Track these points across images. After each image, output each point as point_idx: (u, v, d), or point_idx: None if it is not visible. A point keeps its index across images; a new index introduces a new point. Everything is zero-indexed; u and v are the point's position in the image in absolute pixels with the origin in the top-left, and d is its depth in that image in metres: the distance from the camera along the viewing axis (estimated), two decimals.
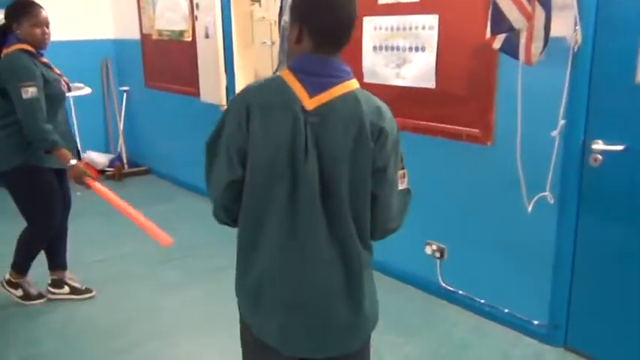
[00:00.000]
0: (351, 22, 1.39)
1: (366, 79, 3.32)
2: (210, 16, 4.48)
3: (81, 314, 3.17)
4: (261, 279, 1.45)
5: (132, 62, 5.98)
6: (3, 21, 2.94)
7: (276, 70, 3.74)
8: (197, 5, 4.64)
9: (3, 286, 3.24)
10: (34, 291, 3.27)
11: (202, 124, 4.86)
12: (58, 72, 3.04)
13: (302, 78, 1.38)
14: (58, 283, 3.32)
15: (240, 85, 4.63)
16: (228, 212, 1.49)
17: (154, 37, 5.44)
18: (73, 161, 2.89)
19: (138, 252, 3.98)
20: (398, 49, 3.10)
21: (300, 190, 1.37)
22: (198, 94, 4.90)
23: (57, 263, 3.32)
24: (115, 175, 5.91)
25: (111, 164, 6.08)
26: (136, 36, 5.77)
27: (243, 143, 1.39)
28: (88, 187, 2.93)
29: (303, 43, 1.39)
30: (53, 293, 3.31)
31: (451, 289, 3.15)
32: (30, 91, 2.74)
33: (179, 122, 5.40)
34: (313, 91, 1.37)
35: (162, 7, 5.18)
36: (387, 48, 3.16)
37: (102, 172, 6.04)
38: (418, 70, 3.01)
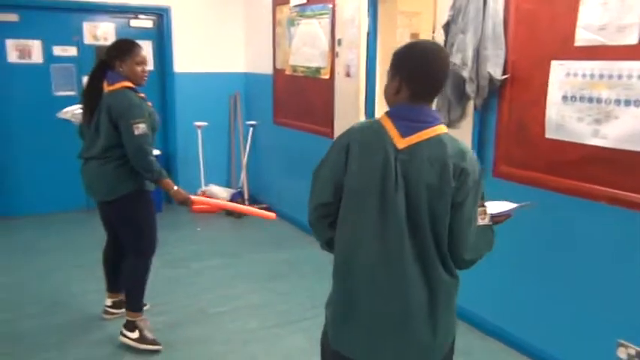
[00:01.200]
0: (444, 82, 1.65)
1: (548, 134, 2.76)
2: (354, 54, 4.15)
3: None
4: (352, 294, 1.65)
5: (261, 97, 5.82)
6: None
7: None
8: (339, 42, 4.33)
9: (122, 333, 3.09)
10: (150, 335, 3.09)
11: None
12: (150, 104, 3.12)
13: (397, 122, 1.61)
14: (119, 304, 3.35)
15: None
16: (318, 231, 1.76)
17: (287, 72, 5.22)
18: (175, 187, 3.05)
19: (262, 305, 3.64)
20: (599, 101, 2.52)
21: (388, 217, 1.57)
22: (330, 135, 4.57)
23: (120, 285, 3.32)
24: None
25: (232, 199, 5.89)
26: (268, 70, 5.60)
27: (340, 175, 1.64)
28: (193, 207, 3.17)
29: (401, 94, 1.62)
30: (112, 314, 3.38)
31: None
32: (140, 128, 2.87)
33: (307, 162, 5.06)
34: (405, 133, 1.59)
35: (300, 43, 4.94)
36: (582, 99, 2.59)
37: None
38: (628, 129, 2.41)
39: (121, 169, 2.94)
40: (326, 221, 1.71)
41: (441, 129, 1.61)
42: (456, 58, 2.89)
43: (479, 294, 3.32)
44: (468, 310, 3.32)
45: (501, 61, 2.93)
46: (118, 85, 2.93)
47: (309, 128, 4.95)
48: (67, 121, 3.36)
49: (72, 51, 5.43)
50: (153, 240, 3.11)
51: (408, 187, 1.55)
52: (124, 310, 3.19)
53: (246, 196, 5.94)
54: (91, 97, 3.00)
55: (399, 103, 1.63)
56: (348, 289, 1.65)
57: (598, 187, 2.58)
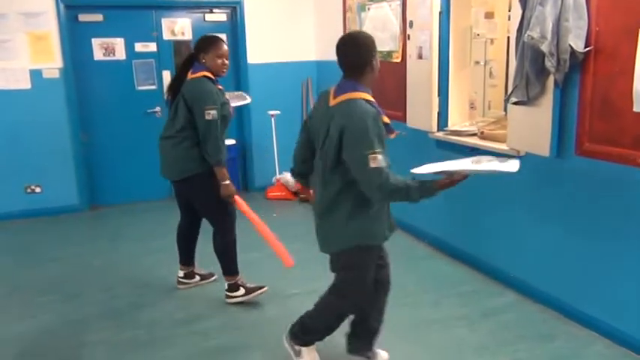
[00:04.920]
0: (355, 62, 2.32)
1: (637, 108, 2.59)
2: (426, 35, 4.07)
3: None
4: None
5: (333, 83, 5.84)
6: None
7: (510, 94, 3.17)
8: (411, 24, 4.27)
9: (227, 295, 3.51)
10: (252, 285, 3.54)
11: (407, 151, 4.47)
12: (227, 97, 3.43)
13: (335, 89, 2.37)
14: (190, 275, 3.78)
15: (453, 111, 4.14)
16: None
17: None
18: (227, 181, 3.30)
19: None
20: None
21: (322, 152, 2.36)
22: (403, 119, 4.52)
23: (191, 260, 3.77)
24: (307, 198, 5.78)
25: None
26: None
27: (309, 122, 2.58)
28: (234, 204, 3.39)
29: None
30: (185, 283, 3.76)
31: None
32: (211, 114, 3.17)
33: None
34: (335, 96, 2.34)
35: (371, 27, 4.91)
36: None
37: (295, 194, 5.98)
38: None
39: (192, 150, 3.26)
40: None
41: (351, 95, 2.28)
42: (534, 32, 2.78)
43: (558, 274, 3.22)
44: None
45: (583, 32, 2.79)
46: (198, 74, 3.24)
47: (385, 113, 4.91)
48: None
49: (152, 47, 5.69)
50: (229, 214, 3.43)
51: (329, 132, 2.29)
52: (196, 279, 3.76)
53: None
54: (175, 84, 3.36)
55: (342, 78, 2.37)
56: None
57: None
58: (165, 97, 3.48)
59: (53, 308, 3.48)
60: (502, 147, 3.48)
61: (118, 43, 5.57)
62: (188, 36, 5.80)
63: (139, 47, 5.65)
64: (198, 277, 3.79)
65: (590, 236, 3.01)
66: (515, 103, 3.19)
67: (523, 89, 3.03)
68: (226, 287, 3.51)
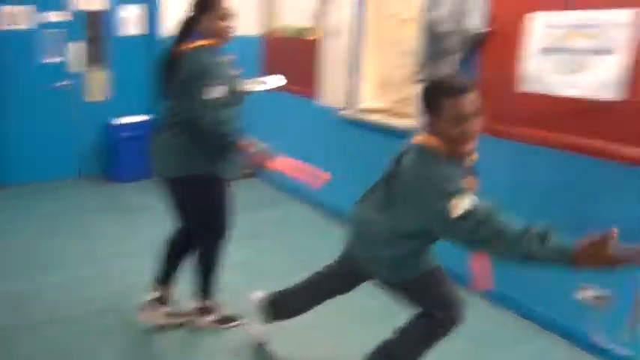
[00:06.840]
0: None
1: (525, 88, 2.77)
2: (340, 13, 4.12)
3: None
4: None
5: (250, 61, 5.79)
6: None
7: (415, 73, 3.29)
8: (325, 0, 4.30)
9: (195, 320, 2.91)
10: (226, 313, 2.97)
11: (316, 128, 4.51)
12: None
13: None
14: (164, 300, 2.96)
15: (365, 89, 4.23)
16: None
17: (275, 34, 5.20)
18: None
19: (245, 262, 3.71)
20: (576, 52, 2.53)
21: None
22: (313, 96, 4.57)
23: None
24: None
25: None
26: (257, 33, 5.56)
27: None
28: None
29: None
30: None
31: None
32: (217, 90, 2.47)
33: (290, 124, 5.09)
34: None
35: (285, 3, 4.90)
36: (560, 50, 2.60)
37: None
38: (601, 78, 2.44)
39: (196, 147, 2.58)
40: None
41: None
42: (434, 13, 2.89)
43: None
44: None
45: (482, 13, 2.93)
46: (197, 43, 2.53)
47: (296, 90, 4.92)
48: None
49: (61, 16, 5.36)
50: (221, 228, 2.79)
51: None
52: (184, 312, 2.99)
53: None
54: (170, 57, 2.60)
55: None
56: None
57: (569, 137, 2.63)
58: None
59: None
60: (409, 123, 3.60)
61: (23, 12, 5.21)
62: (105, 5, 5.53)
63: (45, 17, 5.31)
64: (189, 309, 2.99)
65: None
66: (420, 82, 3.31)
67: (427, 68, 3.15)
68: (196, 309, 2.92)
